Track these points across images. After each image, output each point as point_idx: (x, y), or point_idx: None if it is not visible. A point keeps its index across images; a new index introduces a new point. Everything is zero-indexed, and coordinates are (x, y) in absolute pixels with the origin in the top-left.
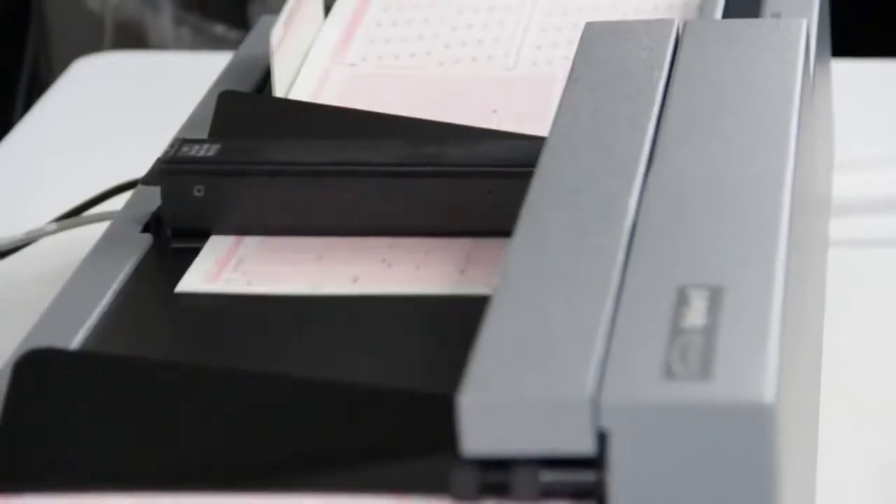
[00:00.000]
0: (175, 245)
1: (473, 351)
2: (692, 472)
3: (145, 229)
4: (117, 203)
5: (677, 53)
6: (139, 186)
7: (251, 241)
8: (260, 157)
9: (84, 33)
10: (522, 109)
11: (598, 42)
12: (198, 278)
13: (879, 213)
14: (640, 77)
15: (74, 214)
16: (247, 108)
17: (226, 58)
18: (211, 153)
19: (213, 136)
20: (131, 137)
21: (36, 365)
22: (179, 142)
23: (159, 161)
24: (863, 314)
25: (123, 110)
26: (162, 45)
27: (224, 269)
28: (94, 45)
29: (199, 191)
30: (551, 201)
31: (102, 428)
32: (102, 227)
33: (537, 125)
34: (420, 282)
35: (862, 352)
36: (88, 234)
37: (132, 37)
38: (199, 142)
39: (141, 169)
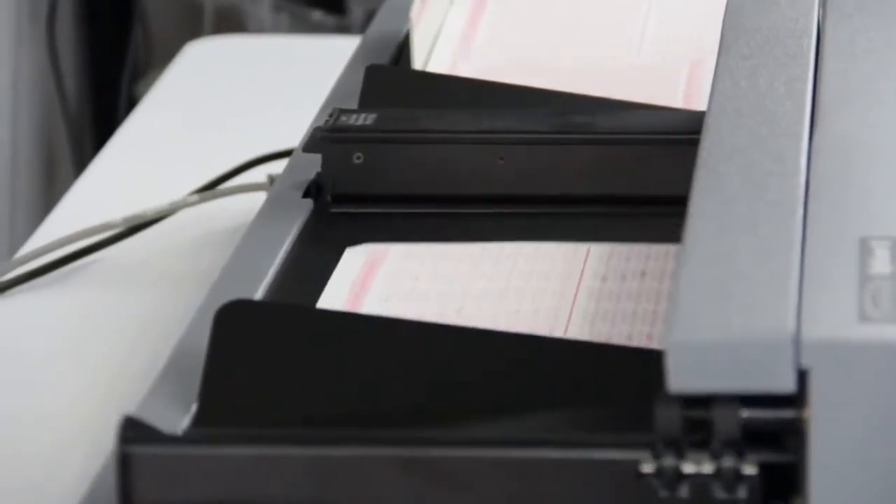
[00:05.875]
0: (334, 210)
1: (672, 297)
2: (887, 408)
3: (306, 195)
4: (249, 177)
5: (823, 23)
6: (295, 154)
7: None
8: (416, 125)
9: (183, 21)
10: (652, 88)
11: (743, 13)
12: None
13: None
14: (791, 45)
15: (211, 187)
16: (393, 80)
17: (327, 42)
18: (368, 122)
19: (363, 106)
20: (248, 115)
21: (235, 315)
22: (337, 112)
23: (319, 130)
24: None
25: (237, 91)
26: (260, 32)
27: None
28: (193, 32)
29: (358, 158)
30: (724, 160)
31: (300, 373)
32: (237, 198)
33: (669, 102)
34: None
35: None
36: (223, 206)
37: (231, 24)
38: (356, 112)
39: (264, 144)
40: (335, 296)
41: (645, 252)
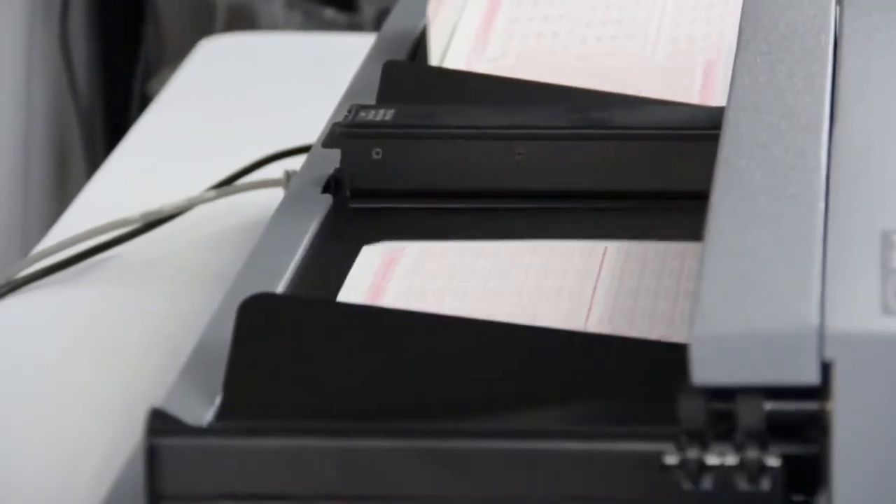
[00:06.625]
0: (353, 205)
1: (696, 289)
2: None
3: (325, 190)
4: (265, 173)
5: (840, 19)
6: (313, 149)
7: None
8: (435, 121)
9: (196, 18)
10: (669, 84)
11: (761, 10)
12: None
13: None
14: (809, 41)
15: (227, 184)
16: (410, 76)
17: (339, 39)
18: (387, 118)
19: (380, 102)
20: (261, 112)
21: (258, 308)
22: (356, 107)
23: (338, 125)
24: None
25: (250, 88)
26: (272, 29)
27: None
28: (205, 29)
29: (377, 153)
30: (745, 155)
31: (323, 365)
32: (253, 194)
33: (685, 99)
34: None
35: None
36: (240, 202)
37: (243, 21)
38: (374, 107)
39: (277, 141)
40: (352, 295)
41: (662, 250)
